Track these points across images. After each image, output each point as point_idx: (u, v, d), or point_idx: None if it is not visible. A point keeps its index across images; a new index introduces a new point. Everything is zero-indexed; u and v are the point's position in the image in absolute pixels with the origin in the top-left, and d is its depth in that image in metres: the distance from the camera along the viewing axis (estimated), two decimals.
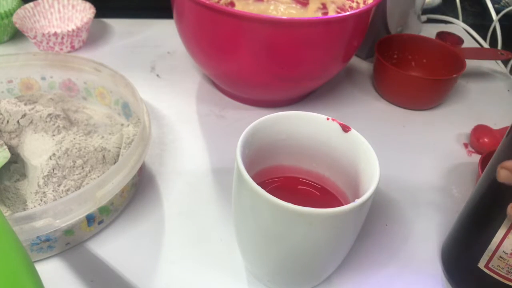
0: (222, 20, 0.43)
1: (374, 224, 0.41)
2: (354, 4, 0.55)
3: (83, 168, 0.40)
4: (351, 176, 0.34)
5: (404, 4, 0.61)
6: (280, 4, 0.62)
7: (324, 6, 0.59)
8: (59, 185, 0.38)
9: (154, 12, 0.69)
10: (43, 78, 0.49)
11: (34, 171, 0.40)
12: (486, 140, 0.50)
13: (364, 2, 0.53)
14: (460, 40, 0.65)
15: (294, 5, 0.61)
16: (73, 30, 0.58)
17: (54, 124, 0.43)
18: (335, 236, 0.29)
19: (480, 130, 0.51)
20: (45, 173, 0.38)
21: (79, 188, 0.39)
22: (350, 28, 0.46)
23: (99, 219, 0.38)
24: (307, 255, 0.30)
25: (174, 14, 0.50)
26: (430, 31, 0.70)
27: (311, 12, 0.60)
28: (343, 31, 0.45)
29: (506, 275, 0.32)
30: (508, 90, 0.62)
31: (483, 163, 0.44)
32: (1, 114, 0.43)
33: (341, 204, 0.28)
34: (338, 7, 0.58)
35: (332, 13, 0.58)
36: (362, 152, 0.32)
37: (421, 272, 0.38)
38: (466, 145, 0.51)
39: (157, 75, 0.58)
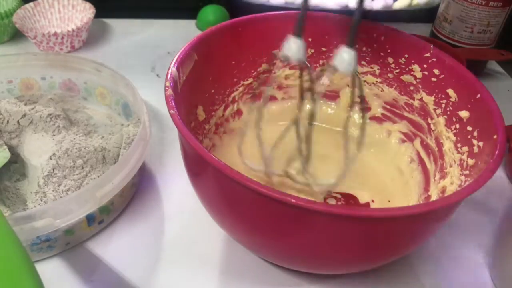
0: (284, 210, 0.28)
1: None
2: (416, 102, 0.42)
3: (83, 168, 0.40)
4: None
5: None
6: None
7: (363, 100, 0.43)
8: (59, 185, 0.38)
9: (154, 12, 0.69)
10: (43, 78, 0.49)
11: (34, 171, 0.40)
12: None
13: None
14: None
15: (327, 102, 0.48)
16: (73, 30, 0.58)
17: (54, 124, 0.43)
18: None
19: None
20: (45, 173, 0.38)
21: (79, 188, 0.39)
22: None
23: (99, 219, 0.38)
24: None
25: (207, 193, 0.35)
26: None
27: (344, 107, 0.47)
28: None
29: None
30: (508, 90, 0.62)
31: None
32: (1, 114, 0.43)
33: None
34: (385, 102, 0.45)
35: (376, 110, 0.45)
36: None
37: (422, 272, 0.38)
38: None
39: (157, 75, 0.58)
